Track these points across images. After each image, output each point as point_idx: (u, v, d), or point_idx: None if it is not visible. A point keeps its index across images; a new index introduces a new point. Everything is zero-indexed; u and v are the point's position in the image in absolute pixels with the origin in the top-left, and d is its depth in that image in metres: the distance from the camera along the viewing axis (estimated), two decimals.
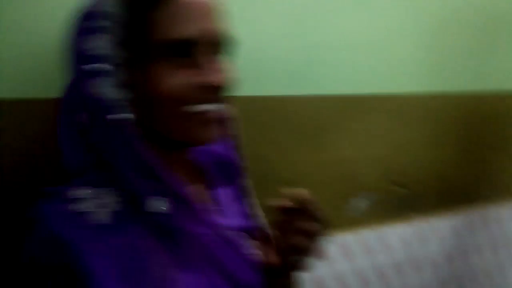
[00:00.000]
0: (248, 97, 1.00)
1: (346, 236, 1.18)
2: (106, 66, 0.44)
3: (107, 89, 0.44)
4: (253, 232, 0.51)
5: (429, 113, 1.25)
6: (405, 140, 1.22)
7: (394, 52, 1.16)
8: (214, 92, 0.45)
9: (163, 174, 0.45)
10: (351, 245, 1.19)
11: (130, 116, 0.44)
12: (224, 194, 0.56)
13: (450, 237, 1.35)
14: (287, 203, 0.47)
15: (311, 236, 0.45)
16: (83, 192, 0.44)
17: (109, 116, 0.44)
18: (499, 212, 1.45)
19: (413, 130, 1.23)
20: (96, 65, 0.44)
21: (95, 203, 0.43)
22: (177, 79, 0.43)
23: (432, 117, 1.26)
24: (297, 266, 0.49)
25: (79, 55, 0.47)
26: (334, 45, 1.08)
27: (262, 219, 0.58)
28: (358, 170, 1.17)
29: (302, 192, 0.48)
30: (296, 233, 0.44)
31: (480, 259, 1.46)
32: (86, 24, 0.46)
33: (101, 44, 0.44)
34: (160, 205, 0.44)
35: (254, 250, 0.51)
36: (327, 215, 0.51)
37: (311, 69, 1.06)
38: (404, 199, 1.25)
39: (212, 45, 0.46)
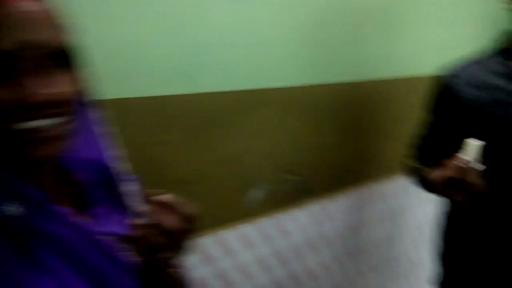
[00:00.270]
0: (135, 99, 0.98)
1: (246, 227, 1.22)
2: None
3: None
4: (130, 237, 0.51)
5: (313, 103, 1.33)
6: (294, 130, 1.30)
7: (275, 48, 1.21)
8: (40, 109, 0.42)
9: (14, 180, 0.43)
10: (251, 235, 1.23)
11: None
12: (103, 207, 0.55)
13: (341, 217, 1.47)
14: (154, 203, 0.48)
15: (174, 233, 0.46)
16: None
17: None
18: (383, 189, 1.60)
19: (300, 120, 1.31)
20: None
21: None
22: None
23: (316, 107, 1.35)
24: (163, 264, 0.50)
25: None
26: (218, 42, 1.10)
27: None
28: (252, 163, 1.21)
29: (166, 196, 0.49)
30: (156, 231, 0.45)
31: (369, 234, 1.60)
32: None
33: None
34: (12, 209, 0.42)
35: (129, 254, 0.50)
36: (202, 212, 0.52)
37: (197, 67, 1.07)
38: (297, 186, 1.33)
39: (41, 58, 0.42)
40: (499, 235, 1.03)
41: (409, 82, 1.59)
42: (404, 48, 1.59)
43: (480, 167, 0.82)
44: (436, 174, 0.93)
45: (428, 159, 1.11)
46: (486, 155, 0.83)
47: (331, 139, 1.40)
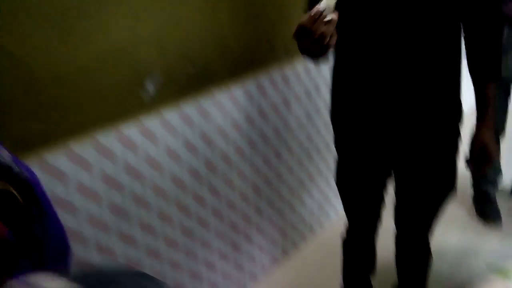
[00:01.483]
0: None
1: (149, 120, 1.20)
2: None
3: None
4: None
5: None
6: (184, 14, 1.24)
7: None
8: None
9: None
10: (153, 127, 1.22)
11: None
12: None
13: (246, 101, 1.47)
14: None
15: None
16: None
17: None
18: (283, 72, 1.60)
19: (188, 5, 1.25)
20: None
21: None
22: None
23: None
24: None
25: None
26: None
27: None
28: (142, 53, 1.16)
29: None
30: None
31: (279, 117, 1.63)
32: None
33: None
34: None
35: None
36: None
37: None
38: (196, 73, 1.30)
39: None
40: (369, 78, 1.09)
41: None
42: None
43: (330, 17, 0.80)
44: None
45: None
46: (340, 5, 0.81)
47: (226, 23, 1.36)
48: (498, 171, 2.10)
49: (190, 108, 1.30)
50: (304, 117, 1.76)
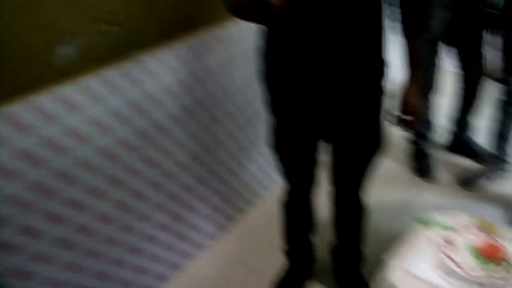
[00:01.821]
0: None
1: (66, 89, 1.11)
2: None
3: None
4: None
5: None
6: None
7: None
8: None
9: None
10: (73, 96, 1.13)
11: None
12: None
13: (180, 67, 1.40)
14: None
15: None
16: None
17: None
18: (217, 35, 1.53)
19: None
20: None
21: None
22: None
23: None
24: None
25: None
26: None
27: None
28: (56, 15, 1.05)
29: None
30: None
31: (215, 82, 1.58)
32: None
33: None
34: None
35: None
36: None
37: None
38: (119, 36, 1.21)
39: None
40: (304, 49, 1.07)
41: None
42: None
43: None
44: None
45: None
46: None
47: None
48: (429, 126, 2.19)
49: (114, 74, 1.21)
50: (242, 80, 1.71)
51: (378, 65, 1.13)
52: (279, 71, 1.14)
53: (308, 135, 1.24)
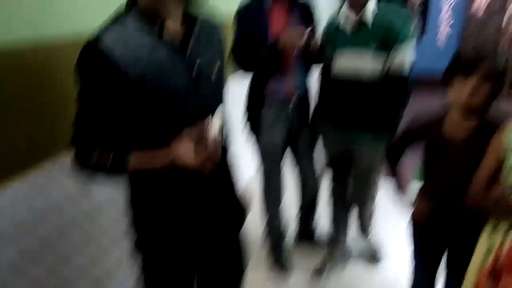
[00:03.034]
0: None
1: None
2: None
3: None
4: None
5: None
6: None
7: None
8: None
9: None
10: None
11: None
12: None
13: (12, 209, 1.26)
14: None
15: None
16: None
17: None
18: (53, 174, 1.37)
19: None
20: None
21: None
22: None
23: None
24: None
25: None
26: None
27: None
28: None
29: None
30: None
31: (54, 221, 1.44)
32: None
33: None
34: None
35: None
36: None
37: None
38: None
39: None
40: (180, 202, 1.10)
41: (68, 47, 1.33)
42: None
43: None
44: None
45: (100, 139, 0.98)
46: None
47: None
48: (279, 219, 2.32)
49: None
50: (81, 221, 1.58)
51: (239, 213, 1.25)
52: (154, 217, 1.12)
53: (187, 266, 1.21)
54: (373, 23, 1.75)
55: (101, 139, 0.97)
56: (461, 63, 1.31)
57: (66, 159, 1.36)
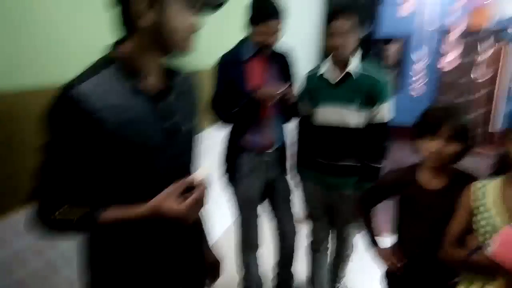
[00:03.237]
0: None
1: None
2: None
3: None
4: None
5: None
6: None
7: None
8: None
9: None
10: None
11: None
12: None
13: None
14: None
15: None
16: None
17: None
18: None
19: None
20: None
21: None
22: None
23: None
24: None
25: None
26: None
27: None
28: None
29: None
30: None
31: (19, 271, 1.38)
32: None
33: None
34: None
35: None
36: None
37: None
38: None
39: None
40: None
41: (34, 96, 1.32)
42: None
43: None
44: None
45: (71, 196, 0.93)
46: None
47: None
48: (257, 275, 2.28)
49: None
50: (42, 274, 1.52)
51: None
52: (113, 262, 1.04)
53: None
54: (357, 79, 1.84)
55: (70, 192, 0.92)
56: (428, 123, 1.35)
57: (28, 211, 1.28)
